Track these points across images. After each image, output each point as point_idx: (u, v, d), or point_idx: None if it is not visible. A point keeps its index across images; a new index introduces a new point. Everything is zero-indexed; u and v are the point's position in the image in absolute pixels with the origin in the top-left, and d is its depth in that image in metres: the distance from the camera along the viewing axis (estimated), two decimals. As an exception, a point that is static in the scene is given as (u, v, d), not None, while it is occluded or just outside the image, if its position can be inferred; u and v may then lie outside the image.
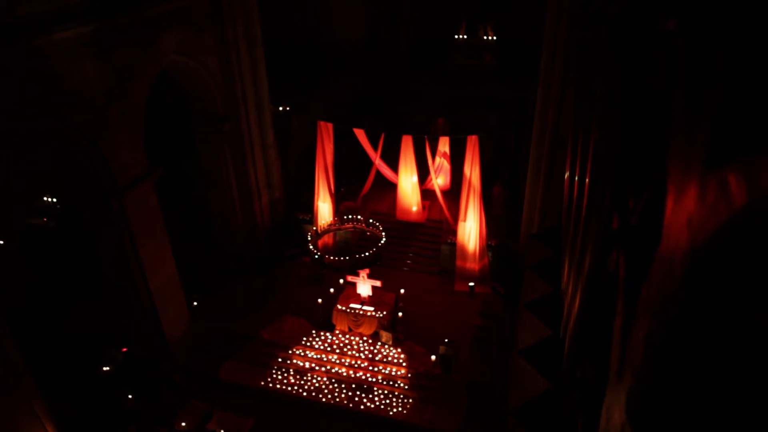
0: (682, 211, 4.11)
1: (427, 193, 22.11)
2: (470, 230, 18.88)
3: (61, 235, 19.86)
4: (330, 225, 19.37)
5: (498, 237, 19.94)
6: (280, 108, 23.48)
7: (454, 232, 19.52)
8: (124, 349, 16.58)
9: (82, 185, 14.53)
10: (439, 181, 21.61)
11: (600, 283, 7.15)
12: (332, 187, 20.40)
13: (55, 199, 21.04)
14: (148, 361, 16.63)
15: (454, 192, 21.26)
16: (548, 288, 13.18)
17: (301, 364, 16.98)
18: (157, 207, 15.96)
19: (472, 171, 18.13)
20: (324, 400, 15.91)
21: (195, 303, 18.65)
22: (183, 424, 14.89)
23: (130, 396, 15.56)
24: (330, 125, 19.49)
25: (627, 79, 6.77)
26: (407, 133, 20.02)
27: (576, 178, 10.83)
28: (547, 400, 10.17)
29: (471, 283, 19.29)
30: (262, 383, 16.47)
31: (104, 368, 16.10)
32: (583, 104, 10.33)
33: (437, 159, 21.54)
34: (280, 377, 16.66)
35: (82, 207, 15.18)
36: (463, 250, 19.30)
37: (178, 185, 19.71)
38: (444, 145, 21.25)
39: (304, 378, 16.61)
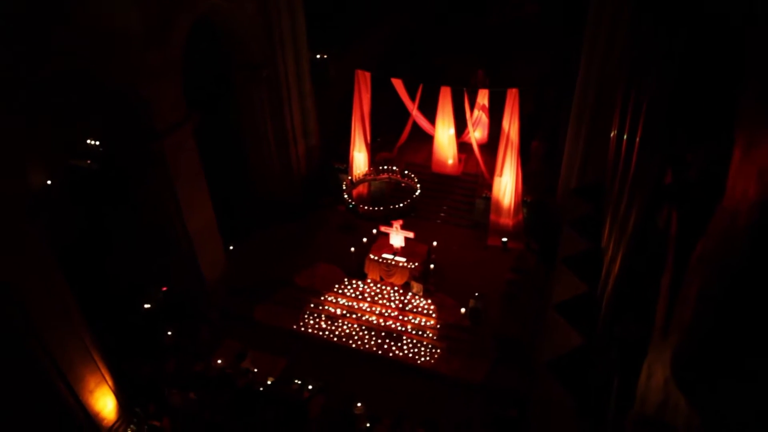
0: (752, 162, 3.91)
1: (463, 146, 21.73)
2: (506, 185, 18.61)
3: (103, 177, 20.35)
4: (365, 175, 19.33)
5: (534, 193, 19.62)
6: (318, 56, 23.12)
7: (490, 187, 19.27)
8: (164, 288, 17.20)
9: (124, 129, 14.77)
10: (477, 134, 21.18)
11: (647, 239, 6.97)
12: (368, 137, 20.22)
13: (98, 142, 21.46)
14: (187, 300, 17.23)
15: (491, 146, 20.83)
16: (587, 244, 12.98)
17: (333, 310, 17.35)
18: (196, 151, 16.12)
19: (510, 125, 17.68)
20: (354, 346, 16.31)
21: (231, 247, 19.06)
22: (219, 361, 15.50)
23: (169, 333, 16.24)
24: (368, 74, 19.14)
25: (693, 23, 6.38)
26: (446, 84, 19.56)
27: (624, 136, 10.44)
28: (579, 355, 10.18)
29: (504, 239, 19.19)
30: (295, 326, 16.95)
31: (145, 306, 16.77)
32: (640, 55, 9.83)
33: (475, 112, 21.03)
34: (312, 321, 17.10)
35: (124, 150, 15.48)
36: (498, 204, 19.09)
37: (216, 132, 19.82)
38: (483, 97, 20.69)
39: (336, 324, 17.00)
